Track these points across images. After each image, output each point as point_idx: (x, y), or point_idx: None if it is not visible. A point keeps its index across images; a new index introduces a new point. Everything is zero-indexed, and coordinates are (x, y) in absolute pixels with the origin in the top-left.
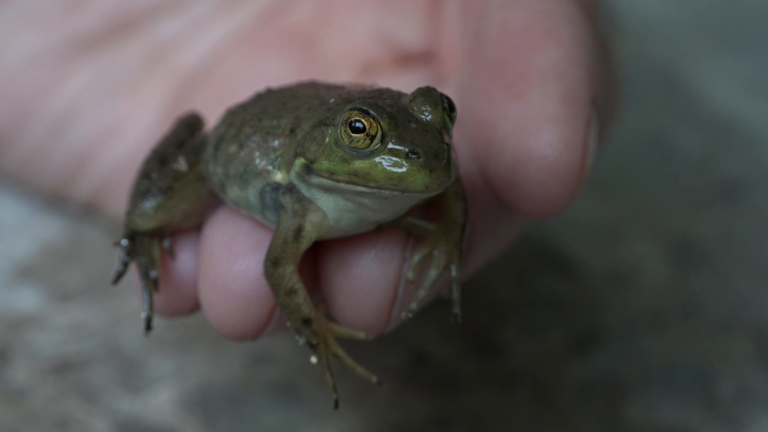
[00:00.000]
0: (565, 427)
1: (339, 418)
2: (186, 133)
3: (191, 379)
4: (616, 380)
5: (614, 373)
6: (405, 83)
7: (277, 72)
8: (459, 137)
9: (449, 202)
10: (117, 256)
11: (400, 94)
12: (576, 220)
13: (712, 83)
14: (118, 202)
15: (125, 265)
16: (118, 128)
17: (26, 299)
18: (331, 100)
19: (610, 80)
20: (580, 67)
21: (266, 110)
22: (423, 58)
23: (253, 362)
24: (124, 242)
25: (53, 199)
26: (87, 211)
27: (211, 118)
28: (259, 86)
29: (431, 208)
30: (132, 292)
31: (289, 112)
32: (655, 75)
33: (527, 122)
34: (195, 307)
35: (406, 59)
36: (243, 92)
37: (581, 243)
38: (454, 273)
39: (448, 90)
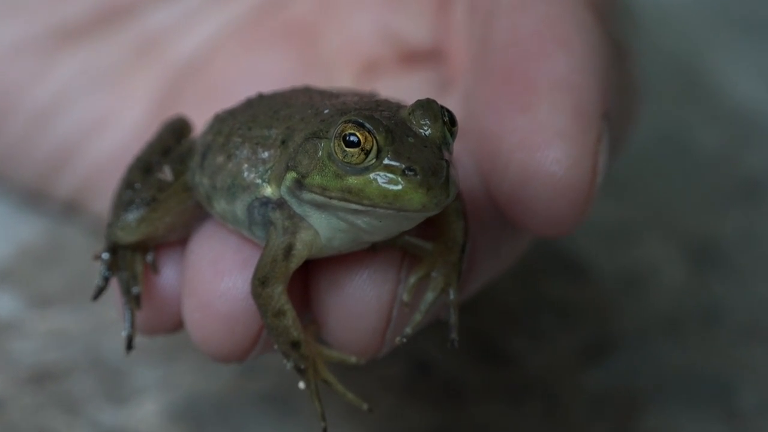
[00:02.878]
0: None
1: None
2: (172, 140)
3: (178, 390)
4: (631, 391)
5: (629, 384)
6: (409, 83)
7: (275, 67)
8: (462, 149)
9: (449, 220)
10: (97, 270)
11: (398, 106)
12: (588, 220)
13: (734, 75)
14: (103, 200)
15: (106, 280)
16: (104, 122)
17: (3, 305)
18: (326, 111)
19: (626, 87)
20: (591, 78)
21: (256, 118)
22: (429, 58)
23: (243, 372)
24: (105, 256)
25: (32, 197)
26: (68, 210)
27: (204, 115)
28: (256, 82)
29: (429, 226)
30: (115, 297)
31: (281, 121)
32: (673, 66)
33: (534, 136)
34: (178, 325)
35: (411, 58)
36: (238, 88)
37: (594, 245)
38: (451, 296)
39: (454, 96)
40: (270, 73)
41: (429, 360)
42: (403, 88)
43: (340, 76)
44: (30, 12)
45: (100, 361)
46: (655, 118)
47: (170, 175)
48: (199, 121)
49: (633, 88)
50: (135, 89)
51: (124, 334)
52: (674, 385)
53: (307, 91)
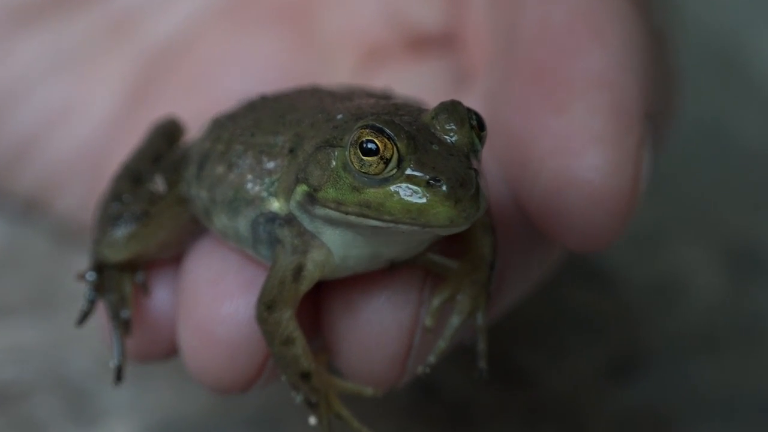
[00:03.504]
0: None
1: None
2: (163, 145)
3: (151, 413)
4: (661, 413)
5: (659, 405)
6: (420, 75)
7: (265, 53)
8: (488, 154)
9: (476, 235)
10: (82, 292)
11: (419, 109)
12: None
13: None
14: (68, 198)
15: (92, 303)
16: (69, 112)
17: None
18: (339, 116)
19: (666, 79)
20: (631, 74)
21: (260, 123)
22: (442, 45)
23: None
24: (91, 276)
25: None
26: (28, 209)
27: (185, 106)
28: (243, 69)
29: (454, 242)
30: (78, 306)
31: (288, 127)
32: (711, 50)
33: (569, 140)
34: (171, 352)
35: (422, 44)
36: (223, 75)
37: (621, 250)
38: (479, 321)
39: (474, 92)
40: (260, 59)
41: (436, 380)
42: (412, 80)
43: (340, 64)
44: None
45: (65, 379)
46: (691, 109)
47: (163, 186)
48: (181, 114)
49: (673, 79)
50: (105, 75)
51: (112, 364)
52: (710, 407)
53: (315, 92)
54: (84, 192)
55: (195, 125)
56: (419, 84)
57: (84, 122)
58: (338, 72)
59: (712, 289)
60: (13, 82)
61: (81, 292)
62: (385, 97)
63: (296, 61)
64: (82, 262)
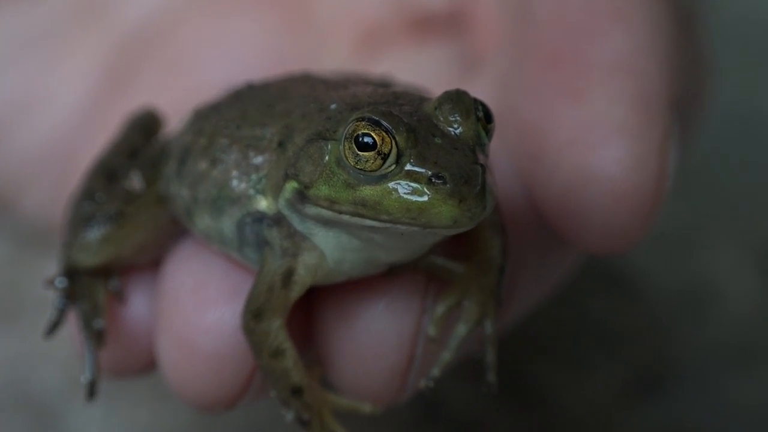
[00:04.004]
0: None
1: None
2: (140, 138)
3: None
4: (691, 431)
5: (688, 423)
6: (423, 59)
7: (252, 36)
8: (498, 147)
9: (484, 236)
10: (50, 300)
11: (421, 98)
12: None
13: None
14: (33, 196)
15: (61, 312)
16: (37, 100)
17: None
18: (332, 106)
19: (695, 65)
20: (656, 59)
21: (246, 115)
22: (447, 26)
23: None
24: (61, 282)
25: None
26: None
27: (164, 95)
28: (228, 53)
29: (460, 243)
30: (45, 315)
31: (277, 118)
32: (743, 27)
33: (588, 131)
34: (149, 366)
35: (425, 25)
36: (206, 61)
37: (647, 255)
38: (488, 330)
39: (484, 78)
40: (246, 43)
41: (440, 397)
42: (414, 66)
43: (334, 48)
44: None
45: (30, 397)
46: (723, 97)
47: (140, 184)
48: (159, 104)
49: (703, 64)
50: (75, 61)
51: (84, 379)
52: (743, 425)
53: (307, 80)
54: (52, 189)
55: (175, 116)
56: (422, 70)
57: (52, 112)
58: (333, 57)
59: (747, 297)
60: None
61: (49, 300)
62: (383, 84)
63: (286, 45)
64: (49, 267)
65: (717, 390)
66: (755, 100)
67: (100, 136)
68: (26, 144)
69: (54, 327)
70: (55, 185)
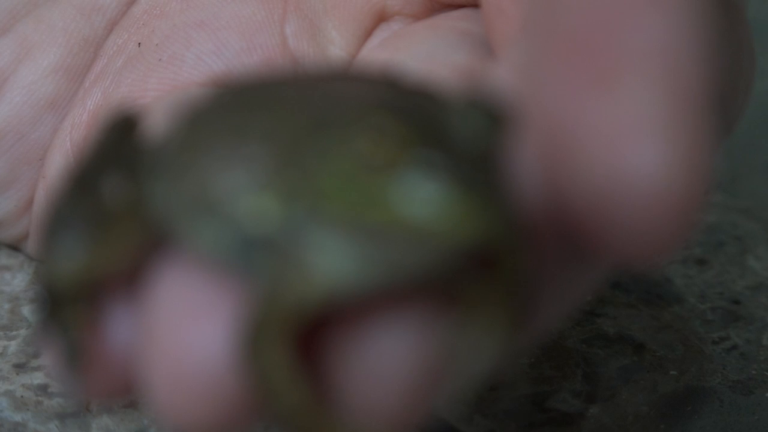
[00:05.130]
0: None
1: None
2: (118, 141)
3: None
4: None
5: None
6: (433, 44)
7: (243, 15)
8: (520, 145)
9: (502, 249)
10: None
11: (431, 98)
12: None
13: None
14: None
15: (40, 338)
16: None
17: None
18: (330, 107)
19: (738, 56)
20: (696, 50)
21: (237, 117)
22: (459, 5)
23: None
24: (36, 304)
25: None
26: None
27: (146, 84)
28: (216, 34)
29: (478, 256)
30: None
31: (272, 122)
32: None
33: (620, 128)
34: (128, 391)
35: (437, 6)
36: (192, 42)
37: (682, 262)
38: (510, 349)
39: (502, 66)
40: (233, 22)
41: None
42: (424, 54)
43: (333, 30)
44: None
45: None
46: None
47: (120, 193)
48: (140, 93)
49: (747, 55)
50: (36, 41)
51: (64, 409)
52: None
53: (298, 77)
54: (16, 192)
55: (157, 111)
56: (435, 57)
57: (13, 94)
58: (332, 45)
59: None
60: None
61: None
62: (386, 81)
63: (280, 31)
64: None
65: (759, 412)
66: None
67: (73, 132)
68: None
69: (29, 353)
70: (6, 177)
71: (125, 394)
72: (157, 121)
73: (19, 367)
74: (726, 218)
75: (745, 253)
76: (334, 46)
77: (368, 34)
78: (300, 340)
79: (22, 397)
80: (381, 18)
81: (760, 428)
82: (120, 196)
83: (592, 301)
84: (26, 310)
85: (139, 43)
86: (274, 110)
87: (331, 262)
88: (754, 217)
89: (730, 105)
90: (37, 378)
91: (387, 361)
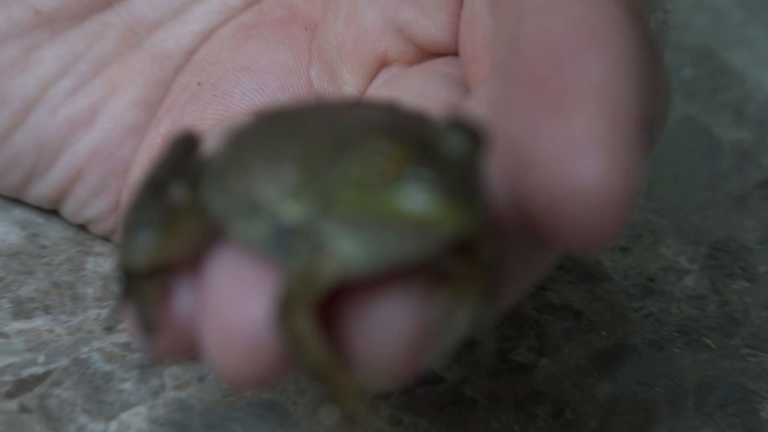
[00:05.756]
0: None
1: None
2: (182, 156)
3: (165, 398)
4: (644, 400)
5: (642, 393)
6: (425, 82)
7: (276, 61)
8: (491, 161)
9: (480, 238)
10: (111, 297)
11: (426, 124)
12: None
13: (758, 69)
14: (81, 192)
15: (119, 307)
16: (90, 116)
17: None
18: (346, 132)
19: (659, 87)
20: (628, 83)
21: (275, 137)
22: (445, 54)
23: None
24: (117, 280)
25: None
26: (53, 204)
27: (203, 116)
28: (256, 77)
29: (460, 245)
30: (91, 303)
31: (302, 140)
32: (695, 57)
33: (569, 146)
34: (191, 351)
35: (425, 53)
36: (239, 86)
37: (608, 249)
38: (486, 317)
39: (478, 100)
40: (272, 71)
41: (442, 371)
42: (418, 90)
43: (347, 73)
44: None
45: (83, 366)
46: (679, 110)
47: (183, 196)
48: (198, 123)
49: (665, 89)
50: (121, 81)
51: (141, 365)
52: (690, 395)
53: (320, 107)
54: (97, 186)
55: (213, 136)
56: (425, 93)
57: (102, 126)
58: (346, 84)
59: (693, 287)
60: (38, 86)
61: (100, 275)
62: (389, 109)
63: (306, 74)
64: (99, 248)
65: (667, 364)
66: (699, 116)
67: (147, 152)
68: (80, 153)
69: (114, 320)
70: (100, 185)
71: (187, 353)
72: (211, 142)
73: (109, 329)
74: (643, 216)
75: (658, 243)
76: (348, 85)
77: (373, 76)
78: (320, 309)
79: (110, 352)
80: (383, 64)
81: (669, 375)
82: (183, 198)
83: (542, 279)
84: (114, 286)
85: (199, 83)
86: (302, 134)
87: (345, 247)
88: (664, 216)
89: (652, 128)
90: (122, 338)
91: (389, 326)
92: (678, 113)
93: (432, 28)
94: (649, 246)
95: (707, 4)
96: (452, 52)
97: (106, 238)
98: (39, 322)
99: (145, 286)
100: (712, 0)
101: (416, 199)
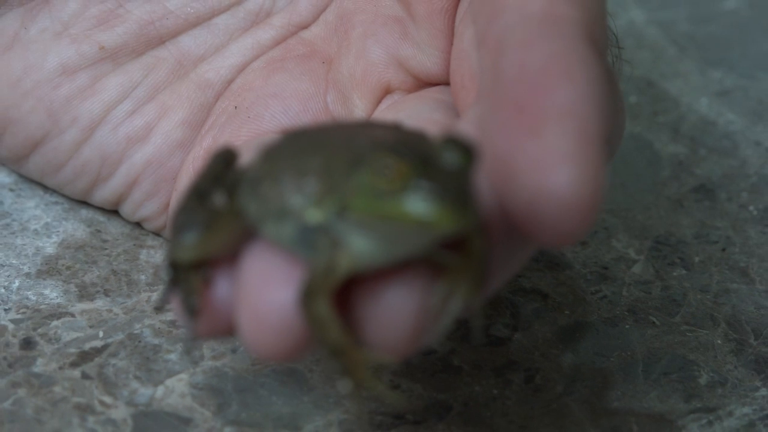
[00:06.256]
0: (554, 413)
1: (342, 405)
2: (222, 168)
3: (203, 366)
4: (601, 369)
5: (599, 362)
6: (423, 107)
7: (299, 89)
8: (479, 172)
9: (471, 236)
10: (160, 285)
11: (424, 139)
12: None
13: (692, 97)
14: (135, 197)
15: (168, 294)
16: (146, 134)
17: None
18: (360, 146)
19: (617, 110)
20: (594, 107)
21: (301, 151)
22: (439, 83)
23: None
24: (166, 271)
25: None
26: (113, 205)
27: (239, 135)
28: (283, 102)
29: (454, 242)
30: (144, 287)
31: (324, 154)
32: (640, 87)
33: (543, 160)
34: (229, 331)
35: (423, 83)
36: (269, 110)
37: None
38: (475, 303)
39: (467, 121)
40: (296, 97)
41: (436, 346)
42: (417, 114)
43: (357, 99)
44: (80, 36)
45: (137, 340)
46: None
47: (222, 201)
48: (235, 141)
49: (621, 111)
50: (171, 105)
51: (185, 341)
52: (639, 364)
53: (339, 126)
54: (150, 192)
55: (247, 151)
56: (422, 116)
57: (155, 142)
58: (356, 108)
59: (640, 274)
60: (102, 110)
61: (152, 266)
62: (395, 129)
63: (324, 99)
64: (151, 242)
65: (620, 340)
66: (643, 134)
67: (192, 159)
68: (136, 165)
69: (163, 304)
70: (152, 190)
71: (225, 333)
72: (246, 156)
73: (158, 309)
74: (598, 216)
75: (610, 238)
76: (358, 109)
77: (379, 101)
78: (337, 296)
79: (159, 328)
80: (387, 92)
81: (621, 347)
82: (222, 203)
83: (523, 268)
84: (163, 275)
85: (236, 107)
86: (322, 150)
87: (358, 244)
88: (615, 216)
89: (612, 143)
90: (169, 316)
91: (396, 310)
92: (625, 132)
93: (427, 62)
94: (603, 240)
95: (648, 43)
96: (444, 81)
97: (157, 234)
98: (100, 303)
99: (190, 277)
100: (651, 39)
101: (418, 204)
